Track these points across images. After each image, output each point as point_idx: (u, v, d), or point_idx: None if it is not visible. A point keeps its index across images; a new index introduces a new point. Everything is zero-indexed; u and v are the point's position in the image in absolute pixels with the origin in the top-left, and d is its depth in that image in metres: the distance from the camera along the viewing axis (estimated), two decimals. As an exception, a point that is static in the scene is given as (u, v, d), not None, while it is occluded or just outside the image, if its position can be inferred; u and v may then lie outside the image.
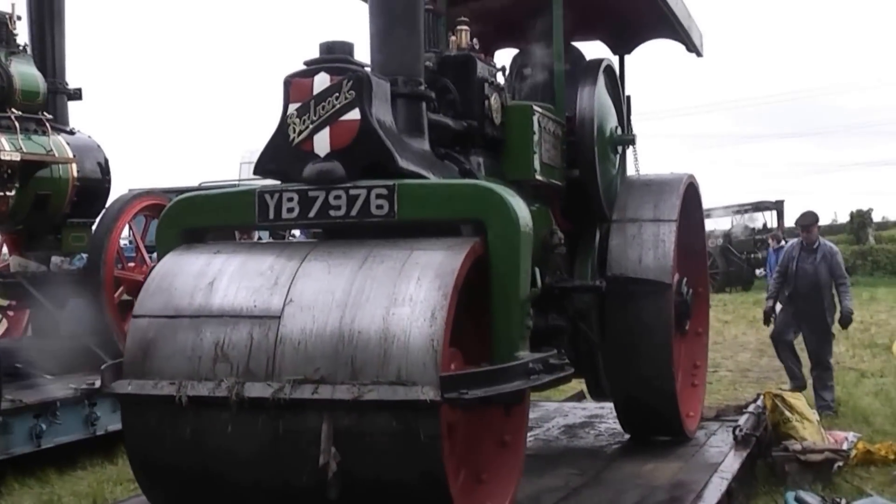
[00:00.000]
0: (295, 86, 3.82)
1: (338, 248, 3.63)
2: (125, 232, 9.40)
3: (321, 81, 3.78)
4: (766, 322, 10.08)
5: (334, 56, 3.85)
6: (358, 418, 3.23)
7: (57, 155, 8.52)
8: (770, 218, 31.11)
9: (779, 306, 9.90)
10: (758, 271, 22.29)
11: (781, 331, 9.74)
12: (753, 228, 30.39)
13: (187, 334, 3.48)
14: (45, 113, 8.61)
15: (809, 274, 9.26)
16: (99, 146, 9.34)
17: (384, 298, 3.32)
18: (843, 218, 42.31)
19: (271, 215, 3.81)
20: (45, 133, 8.48)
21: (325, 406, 3.23)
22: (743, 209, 30.58)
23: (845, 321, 9.28)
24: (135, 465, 3.67)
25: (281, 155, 3.86)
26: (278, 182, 3.96)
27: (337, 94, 3.75)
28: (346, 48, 3.89)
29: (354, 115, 3.74)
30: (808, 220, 9.42)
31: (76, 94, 9.44)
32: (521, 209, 3.72)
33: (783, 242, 17.40)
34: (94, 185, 9.16)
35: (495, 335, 3.67)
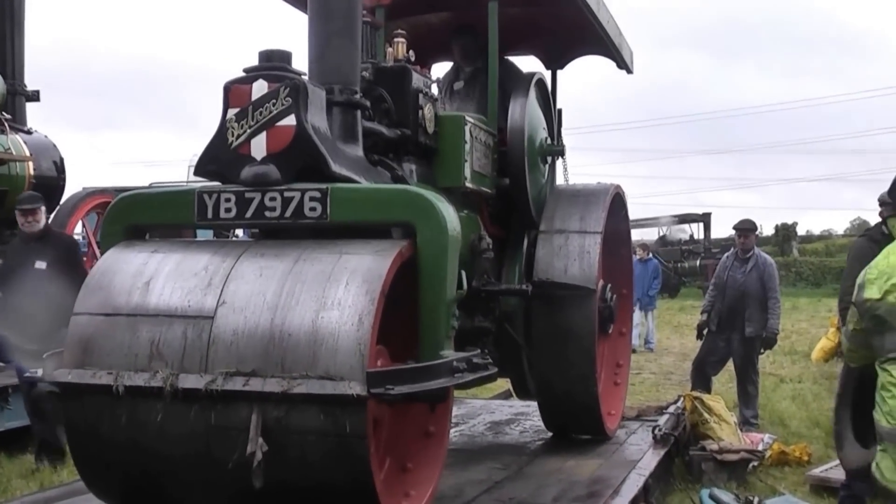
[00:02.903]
0: (234, 92, 3.89)
1: (270, 250, 3.72)
2: (78, 228, 9.50)
3: (259, 88, 3.86)
4: (699, 336, 9.21)
5: (272, 64, 3.93)
6: (287, 410, 3.32)
7: (15, 153, 8.83)
8: (697, 230, 32.03)
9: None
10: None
11: (703, 360, 9.02)
12: (680, 239, 31.23)
13: (124, 333, 3.55)
14: (3, 113, 8.84)
15: (738, 284, 8.70)
16: (55, 145, 9.63)
17: (314, 302, 3.40)
18: (769, 231, 43.62)
19: (210, 215, 3.89)
20: (3, 132, 8.72)
21: (256, 398, 3.32)
22: (674, 220, 31.53)
23: (769, 342, 8.77)
24: (74, 452, 3.74)
25: (220, 157, 3.94)
26: (218, 183, 4.04)
27: (274, 101, 3.82)
28: (285, 56, 3.97)
29: (290, 121, 3.82)
30: (745, 225, 9.07)
31: (34, 96, 9.71)
32: (450, 214, 3.81)
33: (650, 255, 17.16)
34: (50, 182, 9.42)
35: (422, 334, 3.75)
